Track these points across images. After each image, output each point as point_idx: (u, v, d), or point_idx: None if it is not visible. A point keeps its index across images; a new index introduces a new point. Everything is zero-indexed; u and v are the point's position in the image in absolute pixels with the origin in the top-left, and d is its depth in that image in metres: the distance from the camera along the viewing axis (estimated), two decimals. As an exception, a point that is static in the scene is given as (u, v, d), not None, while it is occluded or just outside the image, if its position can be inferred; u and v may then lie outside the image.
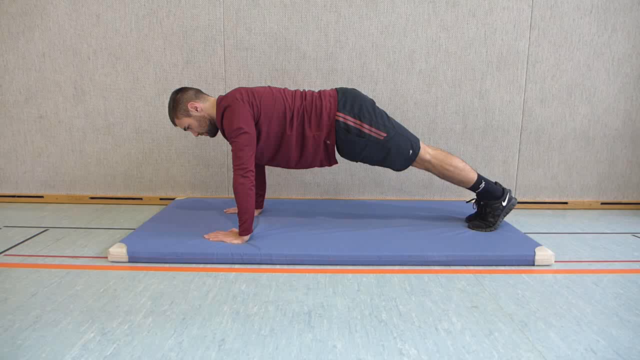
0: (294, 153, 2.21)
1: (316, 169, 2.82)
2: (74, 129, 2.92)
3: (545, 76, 2.84)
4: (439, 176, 2.29)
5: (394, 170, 2.30)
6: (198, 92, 2.22)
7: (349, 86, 2.83)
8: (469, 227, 2.30)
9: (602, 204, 3.01)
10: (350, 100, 2.18)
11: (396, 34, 2.79)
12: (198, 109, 2.17)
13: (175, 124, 2.23)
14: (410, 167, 2.26)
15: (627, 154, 2.94)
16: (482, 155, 2.94)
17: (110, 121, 2.91)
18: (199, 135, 2.25)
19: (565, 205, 3.01)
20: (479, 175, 2.27)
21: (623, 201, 3.00)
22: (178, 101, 2.17)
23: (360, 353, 1.32)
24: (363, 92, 2.76)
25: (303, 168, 2.32)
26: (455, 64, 2.83)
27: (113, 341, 1.36)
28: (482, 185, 2.26)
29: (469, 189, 2.29)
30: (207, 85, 2.82)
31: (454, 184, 2.30)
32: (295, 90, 2.25)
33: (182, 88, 2.22)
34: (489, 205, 2.27)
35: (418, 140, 2.24)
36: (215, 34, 2.79)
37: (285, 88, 2.27)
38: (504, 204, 2.26)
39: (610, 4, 2.76)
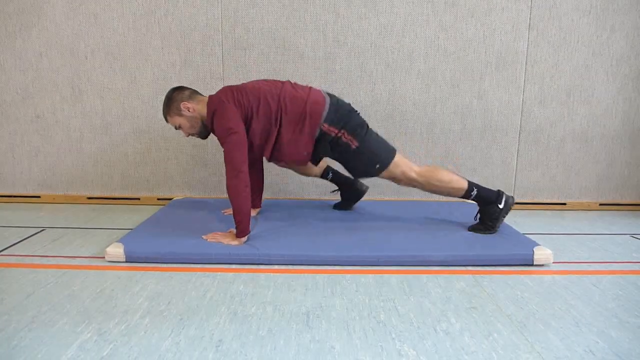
0: (288, 147, 2.19)
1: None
2: (71, 129, 2.91)
3: (544, 77, 2.84)
4: (428, 192, 2.28)
5: (352, 175, 2.38)
6: (193, 93, 2.21)
7: (347, 86, 2.83)
8: (469, 230, 2.29)
9: (600, 204, 3.00)
10: (335, 108, 2.18)
11: (395, 34, 2.79)
12: (190, 110, 2.16)
13: (167, 121, 2.23)
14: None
15: (626, 155, 2.94)
16: (481, 156, 2.94)
17: (107, 121, 2.89)
18: (189, 136, 2.26)
19: (563, 206, 3.00)
20: (469, 182, 2.24)
21: (621, 202, 3.00)
22: (172, 99, 2.17)
23: (359, 354, 1.31)
24: (361, 93, 2.80)
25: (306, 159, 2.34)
26: (454, 64, 2.82)
27: (110, 341, 1.35)
28: (474, 192, 2.23)
29: (462, 197, 2.27)
30: (205, 85, 2.81)
31: (445, 196, 2.31)
32: (283, 86, 2.21)
33: (179, 87, 2.22)
34: (486, 210, 2.25)
35: (391, 158, 2.21)
36: (213, 34, 2.78)
37: (277, 80, 2.25)
38: (501, 206, 2.23)
39: (609, 5, 2.75)
